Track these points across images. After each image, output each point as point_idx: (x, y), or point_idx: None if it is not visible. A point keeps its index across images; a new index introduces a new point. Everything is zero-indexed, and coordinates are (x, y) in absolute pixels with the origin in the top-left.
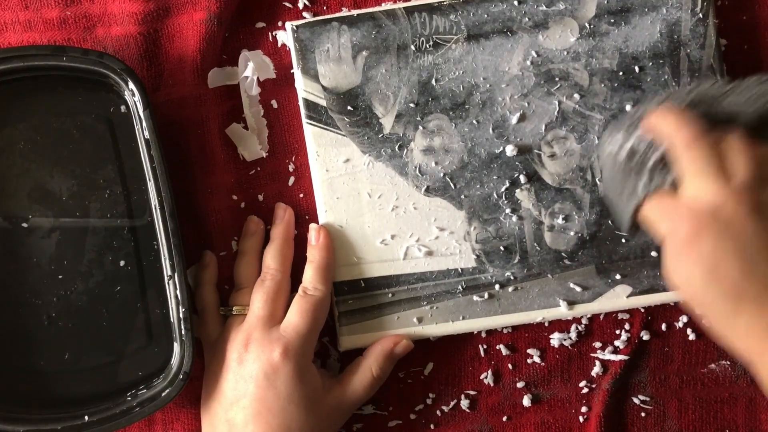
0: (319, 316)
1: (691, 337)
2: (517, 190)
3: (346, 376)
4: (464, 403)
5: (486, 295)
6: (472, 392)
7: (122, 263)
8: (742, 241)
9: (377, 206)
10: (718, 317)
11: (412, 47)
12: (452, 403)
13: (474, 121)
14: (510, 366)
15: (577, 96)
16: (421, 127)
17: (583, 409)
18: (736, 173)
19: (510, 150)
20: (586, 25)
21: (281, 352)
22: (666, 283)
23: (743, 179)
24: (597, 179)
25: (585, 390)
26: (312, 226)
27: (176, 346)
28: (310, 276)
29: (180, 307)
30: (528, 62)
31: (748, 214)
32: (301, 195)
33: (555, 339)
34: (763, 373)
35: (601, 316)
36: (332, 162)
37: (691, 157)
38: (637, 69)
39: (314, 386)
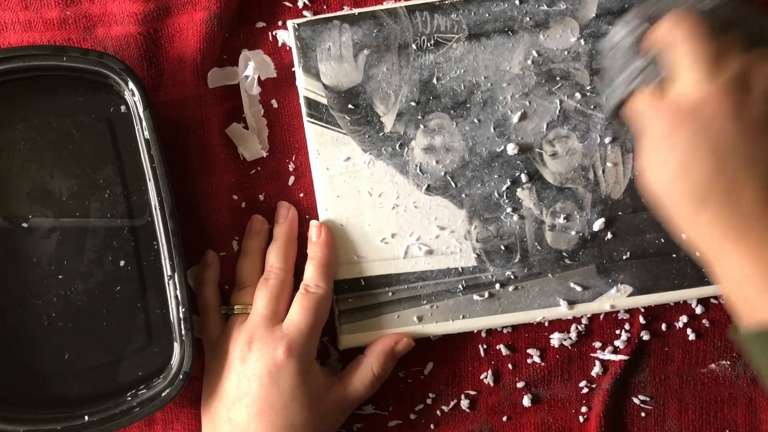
0: (321, 314)
1: (691, 337)
2: (518, 189)
3: (347, 375)
4: (464, 403)
5: (486, 295)
6: (472, 392)
7: (122, 263)
8: (718, 139)
9: (378, 205)
10: (683, 214)
11: (414, 46)
12: (452, 403)
13: (475, 120)
14: (510, 366)
15: (578, 95)
16: (422, 126)
17: (583, 409)
18: (723, 68)
19: (511, 149)
20: (587, 25)
21: (285, 350)
22: (639, 183)
23: (730, 78)
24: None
25: (585, 390)
26: (313, 222)
27: (176, 346)
28: (311, 273)
29: (180, 307)
30: (529, 61)
31: (728, 114)
32: (302, 194)
33: (555, 339)
34: (718, 272)
35: (601, 316)
36: (333, 160)
37: (687, 48)
38: None
39: (317, 384)
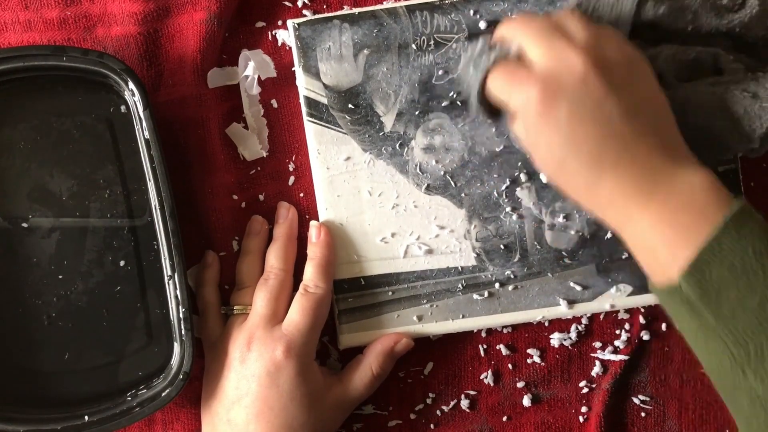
0: (321, 314)
1: None
2: (518, 189)
3: (346, 374)
4: (464, 403)
5: (486, 294)
6: (472, 392)
7: (122, 263)
8: (597, 101)
9: (378, 204)
10: (581, 188)
11: (413, 46)
12: (452, 403)
13: (474, 120)
14: (510, 366)
15: None
16: (421, 126)
17: (583, 409)
18: (578, 35)
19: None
20: None
21: (284, 350)
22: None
23: (587, 37)
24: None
25: (585, 390)
26: (312, 223)
27: (176, 346)
28: (311, 274)
29: (180, 307)
30: None
31: (598, 73)
32: (302, 194)
33: (555, 339)
34: (627, 240)
35: (601, 316)
36: (333, 160)
37: (531, 29)
38: None
39: (316, 384)
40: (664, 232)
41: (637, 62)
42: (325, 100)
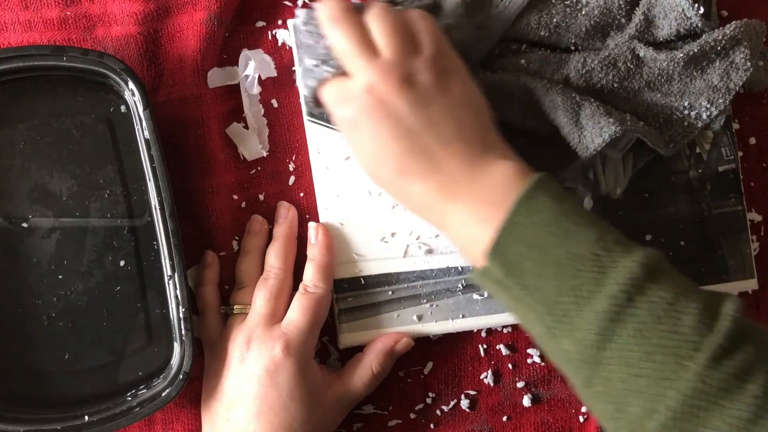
0: (320, 313)
1: None
2: None
3: (346, 372)
4: (464, 403)
5: (486, 294)
6: (472, 392)
7: (122, 263)
8: (397, 119)
9: (378, 204)
10: (396, 196)
11: None
12: (452, 403)
13: None
14: (510, 366)
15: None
16: None
17: (583, 409)
18: (381, 48)
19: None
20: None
21: (282, 348)
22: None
23: (387, 56)
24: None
25: None
26: (311, 224)
27: (176, 346)
28: (310, 274)
29: (180, 307)
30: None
31: (397, 90)
32: (302, 194)
33: None
34: (447, 234)
35: None
36: (333, 160)
37: (335, 37)
38: None
39: (315, 382)
40: (472, 226)
41: (447, 67)
42: None
